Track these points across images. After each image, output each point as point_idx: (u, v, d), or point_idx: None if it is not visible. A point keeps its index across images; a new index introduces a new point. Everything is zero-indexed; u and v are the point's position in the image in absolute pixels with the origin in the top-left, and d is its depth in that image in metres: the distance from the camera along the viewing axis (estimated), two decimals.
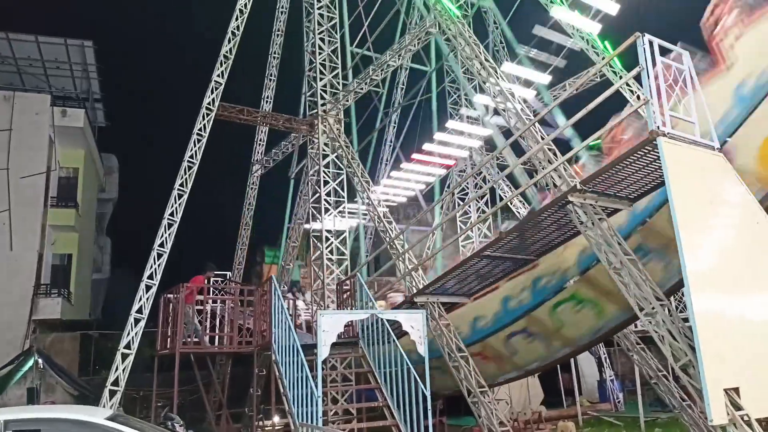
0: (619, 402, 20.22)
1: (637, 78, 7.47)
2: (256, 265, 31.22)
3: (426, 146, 20.56)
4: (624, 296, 8.35)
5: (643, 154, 7.10)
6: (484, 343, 11.73)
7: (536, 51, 17.96)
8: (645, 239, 9.09)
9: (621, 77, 16.03)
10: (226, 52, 17.17)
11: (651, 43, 6.88)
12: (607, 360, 20.98)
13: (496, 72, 11.49)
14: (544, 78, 18.00)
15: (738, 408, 5.99)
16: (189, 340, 12.55)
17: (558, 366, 18.02)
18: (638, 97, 14.01)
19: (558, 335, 11.32)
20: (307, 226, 19.78)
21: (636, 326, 12.92)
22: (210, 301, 13.80)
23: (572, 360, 18.62)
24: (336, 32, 17.66)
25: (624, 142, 9.29)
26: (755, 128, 7.69)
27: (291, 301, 14.61)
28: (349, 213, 19.47)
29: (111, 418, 5.24)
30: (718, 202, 7.00)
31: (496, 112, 19.16)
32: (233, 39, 17.44)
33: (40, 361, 17.03)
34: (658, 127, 6.63)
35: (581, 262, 10.39)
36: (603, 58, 16.82)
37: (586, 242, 10.08)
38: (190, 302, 12.73)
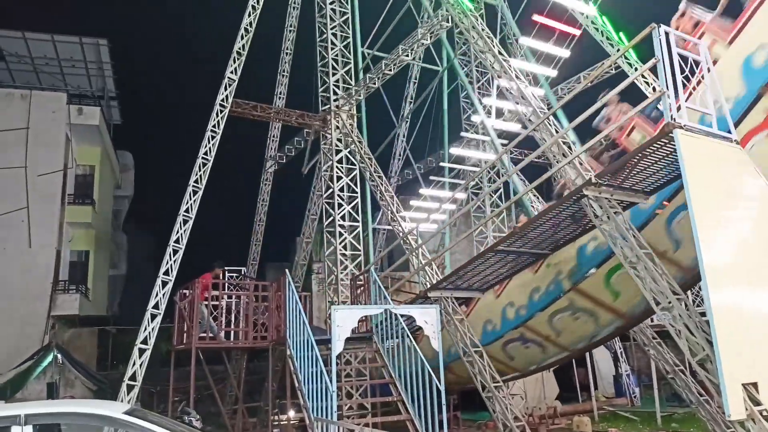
0: (635, 397, 20.09)
1: (653, 69, 7.38)
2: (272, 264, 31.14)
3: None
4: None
5: (659, 146, 7.01)
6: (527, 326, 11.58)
7: (540, 42, 17.80)
8: None
9: (636, 69, 15.85)
10: (239, 48, 17.22)
11: (667, 35, 6.79)
12: (623, 355, 20.84)
13: (509, 65, 11.41)
14: (551, 72, 17.86)
15: (756, 403, 5.92)
16: (205, 335, 12.68)
17: (573, 361, 17.96)
18: (654, 89, 13.86)
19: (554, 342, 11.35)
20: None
21: (652, 320, 12.81)
22: (225, 296, 13.90)
23: (587, 355, 18.54)
24: (348, 27, 17.65)
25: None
26: None
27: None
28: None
29: (129, 413, 5.29)
30: (736, 194, 6.90)
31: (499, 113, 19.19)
32: (246, 35, 17.49)
33: (59, 356, 17.28)
34: (674, 119, 6.55)
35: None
36: (618, 50, 16.65)
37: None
38: (201, 299, 12.85)
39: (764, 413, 5.93)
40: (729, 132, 7.02)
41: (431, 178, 23.77)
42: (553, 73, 17.78)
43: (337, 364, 9.15)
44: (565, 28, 17.00)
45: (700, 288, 11.64)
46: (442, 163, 23.04)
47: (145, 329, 13.86)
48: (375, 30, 20.70)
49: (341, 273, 15.35)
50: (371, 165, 16.44)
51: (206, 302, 13.02)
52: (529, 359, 12.22)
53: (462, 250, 22.78)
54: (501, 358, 12.18)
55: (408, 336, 9.39)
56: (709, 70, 7.01)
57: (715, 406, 11.53)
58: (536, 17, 16.42)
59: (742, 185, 6.94)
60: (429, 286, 11.99)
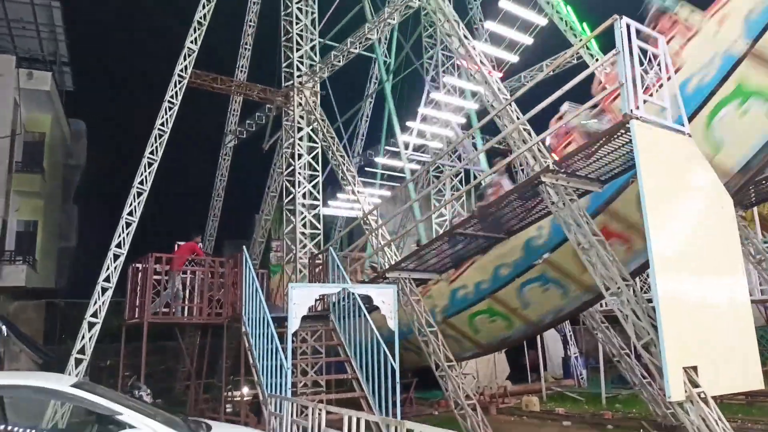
0: (582, 378, 20.78)
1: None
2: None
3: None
4: (586, 277, 8.56)
5: (615, 136, 7.19)
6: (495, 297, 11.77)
7: (504, 28, 17.91)
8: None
9: (597, 59, 16.12)
10: (200, 18, 16.74)
11: (628, 27, 6.92)
12: (572, 338, 21.49)
13: (474, 50, 11.45)
14: (513, 58, 18.06)
15: (695, 385, 6.21)
16: (164, 310, 12.47)
17: (524, 343, 18.42)
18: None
19: (522, 314, 11.62)
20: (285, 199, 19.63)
21: (601, 305, 13.24)
22: (180, 272, 13.67)
23: (538, 337, 19.04)
24: (314, 2, 17.34)
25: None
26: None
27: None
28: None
29: (76, 386, 5.18)
30: (687, 186, 7.16)
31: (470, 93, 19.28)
32: (208, 5, 16.99)
33: (3, 328, 16.71)
34: (632, 110, 6.71)
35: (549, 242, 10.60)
36: (580, 40, 16.90)
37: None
38: (178, 268, 12.65)
39: (702, 395, 6.23)
40: (683, 125, 7.24)
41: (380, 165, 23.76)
42: (515, 59, 17.96)
43: (293, 341, 9.15)
44: (531, 16, 17.15)
45: (647, 275, 12.10)
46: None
47: (96, 302, 13.53)
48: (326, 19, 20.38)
49: (300, 251, 15.28)
50: (333, 144, 16.33)
51: (182, 273, 12.80)
52: (494, 333, 12.44)
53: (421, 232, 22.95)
54: (467, 330, 12.38)
55: (365, 315, 9.45)
56: (667, 65, 7.20)
57: (657, 388, 12.06)
58: (503, 3, 16.49)
59: (694, 177, 7.20)
60: (387, 266, 12.07)
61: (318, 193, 16.09)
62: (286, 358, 8.48)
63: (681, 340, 6.24)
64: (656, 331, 6.35)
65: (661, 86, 7.12)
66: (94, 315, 13.36)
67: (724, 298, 6.92)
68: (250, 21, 24.56)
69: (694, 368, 6.24)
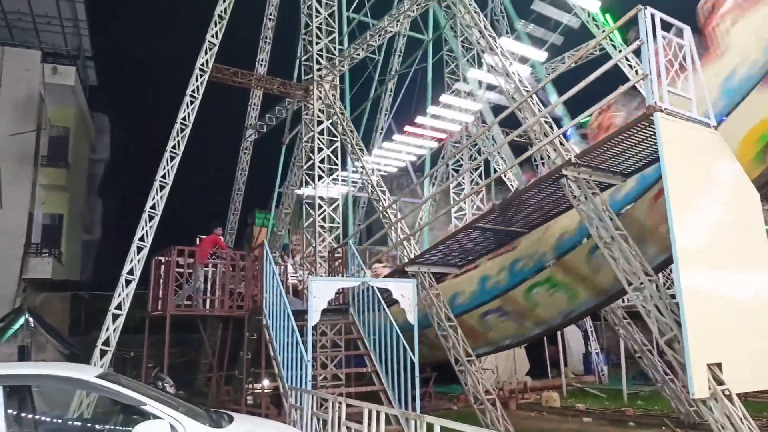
0: (603, 375, 20.60)
1: (637, 52, 7.40)
2: (247, 227, 31.08)
3: (419, 119, 20.45)
4: (595, 282, 8.45)
5: (639, 129, 7.08)
6: (460, 320, 11.80)
7: (533, 26, 17.72)
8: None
9: (621, 51, 15.88)
10: (221, 12, 16.82)
11: (653, 17, 6.80)
12: (593, 333, 21.30)
13: (495, 41, 11.35)
14: (541, 54, 17.82)
15: (720, 383, 6.11)
16: (187, 302, 12.61)
17: (545, 338, 18.30)
18: (636, 72, 13.92)
19: (531, 315, 11.54)
20: (299, 192, 19.71)
21: (623, 301, 13.09)
22: (203, 265, 13.81)
23: (559, 333, 18.90)
24: None
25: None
26: (740, 120, 7.71)
27: (282, 267, 14.68)
28: (343, 181, 19.46)
29: (101, 376, 5.26)
30: (711, 179, 7.03)
31: (490, 86, 19.08)
32: None
33: (30, 319, 17.06)
34: (656, 102, 6.60)
35: (559, 247, 10.52)
36: (603, 31, 16.66)
37: (565, 226, 10.25)
38: (202, 261, 12.77)
39: (726, 392, 6.13)
40: (708, 118, 7.10)
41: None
42: (543, 56, 17.76)
43: (312, 334, 9.20)
44: (563, 17, 16.91)
45: (671, 270, 11.92)
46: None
47: (119, 295, 13.74)
48: None
49: (319, 245, 15.34)
50: (353, 138, 16.33)
51: (206, 265, 12.94)
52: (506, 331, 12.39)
53: (440, 226, 22.89)
54: (478, 328, 12.36)
55: (384, 309, 9.46)
56: (692, 56, 7.06)
57: (680, 385, 11.90)
58: (536, 3, 16.30)
59: (719, 171, 7.06)
60: (407, 260, 12.06)
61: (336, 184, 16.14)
62: (306, 351, 8.53)
63: (705, 337, 6.14)
64: (680, 327, 6.26)
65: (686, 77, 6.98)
66: (118, 307, 13.57)
67: (750, 294, 6.79)
68: (270, 15, 24.63)
69: (719, 365, 6.15)
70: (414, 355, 8.50)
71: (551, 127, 10.35)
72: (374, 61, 23.33)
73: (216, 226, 14.29)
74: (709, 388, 6.06)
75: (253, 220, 31.16)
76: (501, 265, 11.73)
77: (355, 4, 20.61)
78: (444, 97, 19.65)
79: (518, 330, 12.15)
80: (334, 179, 16.10)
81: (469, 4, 12.10)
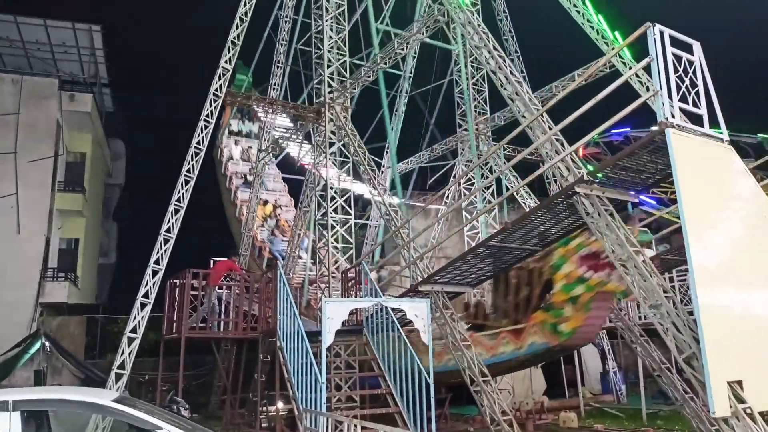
0: (621, 394, 20.25)
1: (647, 69, 7.42)
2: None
3: None
4: None
5: (651, 145, 7.07)
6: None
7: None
8: None
9: (630, 68, 15.90)
10: (234, 38, 17.11)
11: (662, 33, 6.83)
12: (611, 352, 21.00)
13: (504, 61, 11.42)
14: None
15: (741, 401, 6.00)
16: (202, 324, 12.67)
17: (561, 357, 18.07)
18: (647, 89, 13.92)
19: None
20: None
21: (640, 318, 12.92)
22: (217, 287, 13.89)
23: (575, 352, 18.66)
24: (344, 20, 17.56)
25: None
26: None
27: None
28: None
29: (118, 401, 5.28)
30: (726, 195, 6.98)
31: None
32: (241, 25, 17.39)
33: (47, 344, 17.19)
34: (667, 118, 6.60)
35: None
36: (612, 48, 16.69)
37: None
38: (215, 284, 12.86)
39: (748, 411, 6.01)
40: (721, 132, 7.08)
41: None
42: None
43: (326, 356, 9.17)
44: None
45: (688, 287, 11.78)
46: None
47: (135, 318, 13.82)
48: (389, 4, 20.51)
49: (332, 266, 15.35)
50: (365, 159, 16.42)
51: (219, 289, 13.05)
52: None
53: (453, 245, 22.83)
54: None
55: (398, 329, 9.42)
56: (703, 71, 7.06)
57: (700, 403, 11.66)
58: None
59: (733, 185, 7.02)
60: (420, 280, 12.03)
61: (350, 207, 16.18)
62: (320, 372, 8.50)
63: (724, 354, 6.05)
64: (698, 344, 6.18)
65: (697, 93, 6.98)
66: (133, 330, 13.64)
67: None
68: (282, 40, 24.99)
69: (739, 383, 6.04)
70: (429, 376, 8.44)
71: (562, 145, 10.35)
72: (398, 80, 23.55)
73: (234, 254, 14.45)
74: (731, 407, 5.95)
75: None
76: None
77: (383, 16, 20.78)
78: None
79: None
80: (346, 200, 16.15)
81: (478, 26, 12.21)
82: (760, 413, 6.15)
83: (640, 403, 15.94)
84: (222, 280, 13.35)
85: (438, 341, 11.92)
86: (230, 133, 31.34)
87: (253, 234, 23.41)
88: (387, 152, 26.16)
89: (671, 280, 14.85)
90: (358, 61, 19.76)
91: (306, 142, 24.39)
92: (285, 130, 24.83)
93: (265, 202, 27.51)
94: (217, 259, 14.30)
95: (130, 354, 13.54)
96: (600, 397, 20.14)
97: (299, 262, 22.07)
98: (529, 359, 12.08)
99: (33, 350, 17.03)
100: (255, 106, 19.19)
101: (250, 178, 24.47)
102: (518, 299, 12.41)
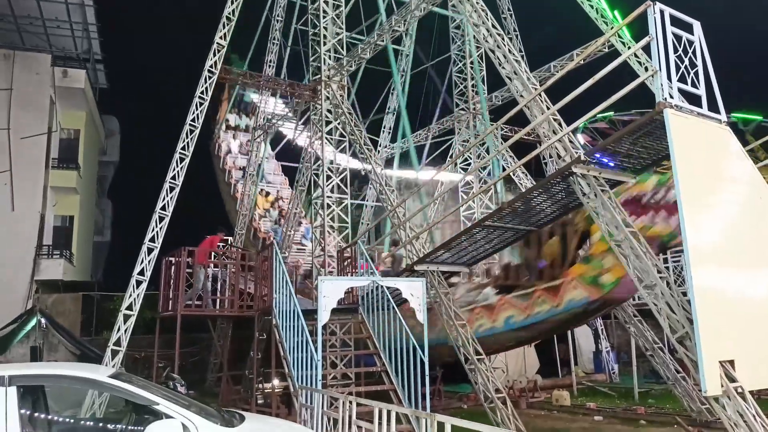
0: (614, 373, 20.50)
1: (646, 49, 7.36)
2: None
3: None
4: None
5: (649, 125, 7.04)
6: None
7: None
8: None
9: (629, 47, 15.79)
10: (229, 13, 16.86)
11: (662, 13, 6.76)
12: (604, 332, 21.19)
13: (503, 39, 11.31)
14: None
15: (732, 380, 6.07)
16: (198, 302, 12.70)
17: (554, 336, 18.24)
18: (646, 69, 13.84)
19: None
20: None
21: (634, 299, 13.01)
22: (212, 265, 13.88)
23: (569, 331, 18.82)
24: None
25: None
26: None
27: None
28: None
29: (114, 376, 5.30)
30: (723, 176, 6.97)
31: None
32: (236, 0, 17.12)
33: (42, 320, 17.20)
34: (665, 99, 6.56)
35: None
36: (611, 27, 16.56)
37: None
38: (201, 262, 12.84)
39: (739, 390, 6.09)
40: (719, 113, 7.05)
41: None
42: None
43: (322, 334, 9.21)
44: None
45: (682, 268, 11.82)
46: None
47: (130, 295, 13.82)
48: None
49: (328, 245, 15.35)
50: (361, 137, 16.33)
51: (206, 266, 13.04)
52: None
53: (449, 225, 22.87)
54: None
55: (394, 308, 9.46)
56: (702, 51, 7.01)
57: (692, 383, 11.82)
58: None
59: (730, 167, 7.01)
60: (416, 259, 12.06)
61: (346, 186, 16.14)
62: (316, 350, 8.55)
63: (717, 334, 6.10)
64: (691, 324, 6.23)
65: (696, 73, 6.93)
66: (129, 307, 13.65)
67: (763, 291, 6.74)
68: (277, 16, 24.69)
69: (731, 362, 6.11)
70: (424, 354, 8.50)
71: (560, 125, 10.31)
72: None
73: (221, 230, 14.40)
74: (722, 386, 6.02)
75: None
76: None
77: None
78: None
79: None
80: (342, 178, 16.11)
81: (477, 3, 12.06)
82: (751, 392, 6.23)
83: (632, 382, 16.14)
84: (215, 258, 13.36)
85: (466, 308, 11.77)
86: (227, 127, 31.27)
87: (256, 225, 23.40)
88: (383, 131, 26.08)
89: (665, 261, 14.92)
90: (357, 35, 19.56)
91: (302, 126, 24.34)
92: (283, 109, 24.70)
93: (267, 194, 27.53)
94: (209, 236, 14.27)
95: (126, 331, 13.56)
96: (592, 376, 20.39)
97: (296, 246, 22.12)
98: (568, 318, 11.48)
99: (29, 327, 17.04)
100: (249, 82, 18.96)
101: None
102: (552, 254, 11.89)
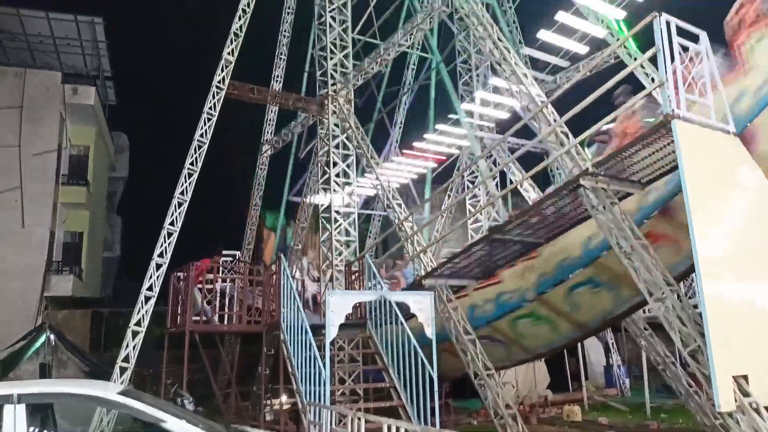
0: (625, 388, 20.25)
1: (653, 60, 7.34)
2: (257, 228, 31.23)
3: (426, 136, 20.74)
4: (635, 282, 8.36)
5: (657, 137, 7.00)
6: (493, 326, 11.77)
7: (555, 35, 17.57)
8: None
9: (635, 59, 15.78)
10: (237, 29, 17.03)
11: (668, 24, 6.74)
12: (614, 345, 20.98)
13: (509, 52, 11.34)
14: (562, 63, 17.73)
15: (746, 395, 5.96)
16: (199, 319, 12.69)
17: (565, 351, 18.07)
18: (653, 80, 13.82)
19: (567, 318, 11.39)
20: (316, 201, 19.83)
21: (644, 311, 12.87)
22: (219, 280, 13.89)
23: (579, 345, 18.64)
24: (348, 11, 17.46)
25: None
26: None
27: (298, 281, 14.73)
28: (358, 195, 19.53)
29: (123, 393, 5.29)
30: (733, 186, 6.91)
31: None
32: (243, 16, 17.29)
33: (52, 337, 17.24)
34: (673, 110, 6.53)
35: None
36: (617, 39, 16.55)
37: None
38: (196, 283, 12.87)
39: (754, 405, 5.98)
40: (727, 124, 7.01)
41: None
42: (564, 63, 17.65)
43: (330, 349, 9.17)
44: (590, 28, 16.62)
45: (693, 280, 11.71)
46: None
47: (139, 311, 13.83)
48: (367, 14, 20.45)
49: (336, 259, 15.33)
50: (368, 151, 16.37)
51: (200, 286, 13.05)
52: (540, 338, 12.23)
53: (456, 238, 22.81)
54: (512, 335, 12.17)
55: (402, 323, 9.41)
56: (710, 62, 6.98)
57: (705, 397, 11.61)
58: (561, 15, 16.01)
59: (740, 177, 6.95)
60: (423, 273, 12.00)
61: (353, 200, 16.15)
62: (324, 366, 8.50)
63: (730, 347, 6.00)
64: (703, 338, 6.13)
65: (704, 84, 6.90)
66: (138, 324, 13.66)
67: None
68: (285, 31, 24.90)
69: (745, 377, 6.00)
70: (432, 369, 8.42)
71: (567, 137, 10.28)
72: (379, 75, 23.41)
73: (219, 251, 14.39)
74: (736, 401, 5.90)
75: (263, 222, 31.28)
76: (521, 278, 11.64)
77: (360, 25, 20.67)
78: (466, 105, 19.68)
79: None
80: (350, 194, 16.12)
81: (482, 16, 12.12)
82: (766, 407, 6.12)
83: (644, 397, 15.94)
84: (226, 273, 13.38)
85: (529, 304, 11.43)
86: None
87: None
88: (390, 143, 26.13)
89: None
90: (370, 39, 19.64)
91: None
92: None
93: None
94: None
95: (134, 347, 13.57)
96: (604, 391, 20.14)
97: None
98: None
99: (38, 343, 17.08)
100: (256, 97, 19.06)
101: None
102: None
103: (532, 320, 11.28)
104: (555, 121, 10.28)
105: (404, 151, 22.59)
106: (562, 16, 15.36)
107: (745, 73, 7.86)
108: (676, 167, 6.99)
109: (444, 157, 22.04)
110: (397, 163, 23.52)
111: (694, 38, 7.08)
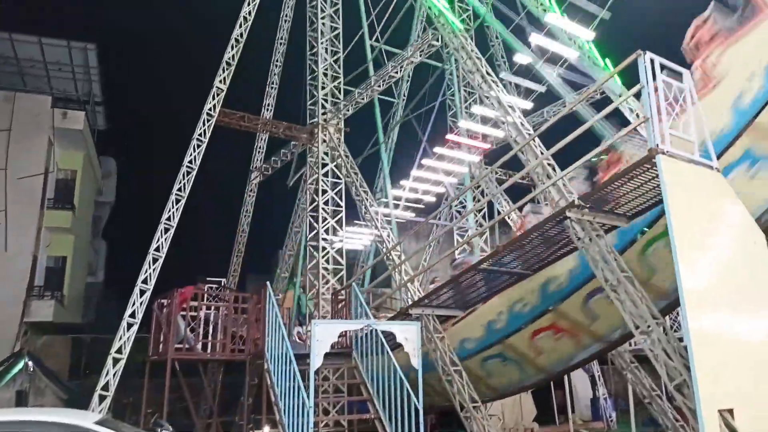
0: (611, 420, 20.12)
1: (637, 95, 7.50)
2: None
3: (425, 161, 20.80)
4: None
5: (642, 171, 7.11)
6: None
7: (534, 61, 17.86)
8: None
9: (621, 95, 16.09)
10: (229, 58, 17.21)
11: (652, 62, 6.91)
12: (601, 378, 20.90)
13: (497, 86, 11.54)
14: (541, 88, 18.00)
15: (732, 429, 5.95)
16: (181, 346, 12.47)
17: (551, 383, 17.96)
18: (637, 115, 14.10)
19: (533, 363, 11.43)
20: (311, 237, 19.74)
21: (631, 344, 12.89)
22: (203, 307, 13.71)
23: (566, 377, 18.56)
24: (339, 42, 17.73)
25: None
26: None
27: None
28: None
29: (100, 423, 5.18)
30: (716, 220, 7.01)
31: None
32: (236, 46, 17.49)
33: (30, 363, 16.87)
34: (657, 145, 6.65)
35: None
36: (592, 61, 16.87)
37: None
38: (179, 311, 12.69)
39: None
40: (711, 159, 7.14)
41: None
42: (542, 88, 17.89)
43: (314, 379, 9.04)
44: (563, 49, 16.89)
45: (678, 313, 11.79)
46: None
47: (121, 338, 13.62)
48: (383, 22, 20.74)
49: (323, 287, 15.26)
50: (357, 180, 16.45)
51: (184, 313, 12.87)
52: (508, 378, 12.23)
53: (444, 268, 22.79)
54: (479, 374, 12.15)
55: (388, 353, 9.32)
56: (693, 98, 7.14)
57: (691, 431, 11.58)
58: (534, 37, 16.26)
59: (723, 212, 7.05)
60: (410, 303, 11.96)
61: (341, 228, 16.15)
62: (308, 396, 8.37)
63: (715, 381, 6.00)
64: (689, 371, 6.14)
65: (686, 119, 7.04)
66: (119, 351, 13.44)
67: (761, 336, 6.67)
68: (277, 61, 25.18)
69: (730, 411, 5.99)
70: (418, 401, 8.33)
71: (554, 169, 10.41)
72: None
73: (201, 279, 14.29)
74: None
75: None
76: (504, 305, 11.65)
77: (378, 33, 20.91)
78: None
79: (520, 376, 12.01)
80: (337, 221, 16.13)
81: (471, 51, 12.36)
82: None
83: (630, 430, 15.83)
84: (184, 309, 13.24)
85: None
86: None
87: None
88: (380, 174, 26.24)
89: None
90: (348, 88, 19.90)
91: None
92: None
93: None
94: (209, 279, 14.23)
95: (115, 375, 13.32)
96: (590, 424, 19.99)
97: None
98: None
99: (16, 370, 16.70)
100: (247, 125, 19.17)
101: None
102: None
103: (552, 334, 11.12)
104: (542, 153, 10.43)
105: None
106: (535, 38, 15.53)
107: (713, 87, 8.08)
108: (661, 201, 7.08)
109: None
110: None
111: (678, 76, 7.26)
